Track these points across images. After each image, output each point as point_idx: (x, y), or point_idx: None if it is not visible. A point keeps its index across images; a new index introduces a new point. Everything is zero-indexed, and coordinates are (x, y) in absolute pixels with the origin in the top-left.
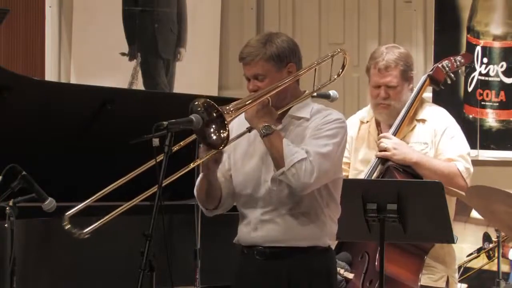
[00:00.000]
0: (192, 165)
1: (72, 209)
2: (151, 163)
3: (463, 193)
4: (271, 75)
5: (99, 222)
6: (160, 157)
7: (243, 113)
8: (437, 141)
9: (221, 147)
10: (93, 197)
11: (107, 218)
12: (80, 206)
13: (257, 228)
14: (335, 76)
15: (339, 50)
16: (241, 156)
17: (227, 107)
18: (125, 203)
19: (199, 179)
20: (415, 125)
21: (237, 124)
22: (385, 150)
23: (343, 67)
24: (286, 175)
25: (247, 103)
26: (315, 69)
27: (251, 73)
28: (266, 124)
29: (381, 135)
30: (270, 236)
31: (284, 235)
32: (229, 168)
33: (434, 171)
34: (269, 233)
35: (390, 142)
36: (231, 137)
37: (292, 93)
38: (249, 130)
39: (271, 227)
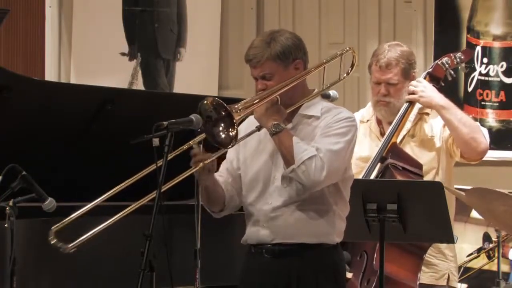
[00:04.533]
0: (184, 175)
1: (60, 222)
2: (152, 167)
3: (463, 194)
4: (279, 74)
5: (85, 236)
6: (161, 161)
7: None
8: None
9: (229, 146)
10: (80, 210)
11: (95, 231)
12: (67, 219)
13: (266, 225)
14: (345, 75)
15: (348, 48)
16: (250, 155)
17: (236, 106)
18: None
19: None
20: (420, 117)
21: (246, 123)
22: (413, 93)
23: (352, 65)
24: (296, 172)
25: (255, 101)
26: (324, 67)
27: (258, 74)
28: (275, 122)
29: (417, 79)
30: (278, 232)
31: (293, 231)
32: (238, 168)
33: (459, 118)
34: (278, 230)
35: (420, 85)
36: (240, 136)
37: (300, 91)
38: (258, 128)
39: (280, 223)
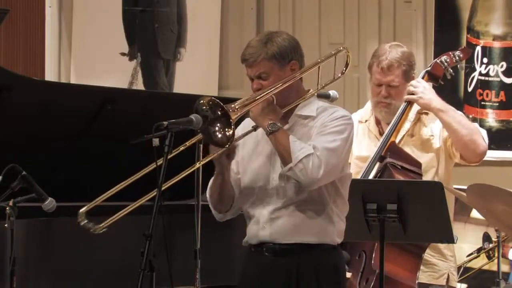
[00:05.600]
0: (200, 163)
1: (85, 206)
2: (152, 165)
3: (463, 194)
4: (274, 74)
5: (114, 217)
6: (161, 160)
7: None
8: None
9: (226, 145)
10: (106, 193)
11: (122, 212)
12: (94, 202)
13: (266, 226)
14: (339, 74)
15: (341, 48)
16: (248, 156)
17: (232, 105)
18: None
19: (212, 179)
20: (419, 117)
21: (243, 125)
22: (413, 94)
23: (346, 65)
24: (293, 170)
25: (252, 101)
26: (319, 67)
27: (254, 73)
28: (271, 122)
29: (415, 79)
30: (279, 232)
31: (293, 231)
32: (238, 172)
33: (458, 121)
34: (278, 230)
35: (420, 85)
36: (236, 135)
37: (296, 91)
38: (254, 128)
39: (280, 224)
